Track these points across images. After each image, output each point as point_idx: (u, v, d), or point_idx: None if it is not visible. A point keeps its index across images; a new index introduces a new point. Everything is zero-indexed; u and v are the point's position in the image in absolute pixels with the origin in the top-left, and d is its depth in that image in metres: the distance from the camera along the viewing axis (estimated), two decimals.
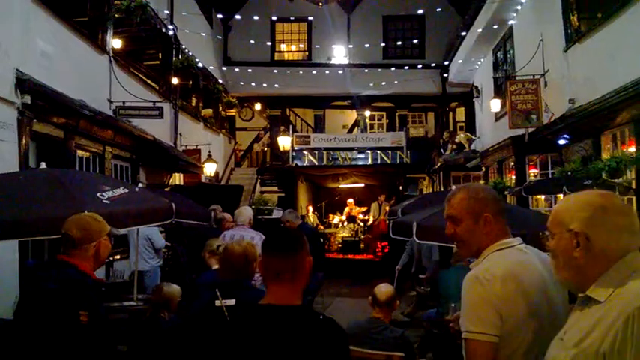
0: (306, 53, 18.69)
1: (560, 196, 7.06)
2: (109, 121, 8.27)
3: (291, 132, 17.11)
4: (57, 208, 3.66)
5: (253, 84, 17.26)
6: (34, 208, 3.73)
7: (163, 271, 7.68)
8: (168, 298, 4.22)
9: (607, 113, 7.00)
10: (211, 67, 15.70)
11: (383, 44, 17.94)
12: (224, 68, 17.59)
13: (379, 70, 17.66)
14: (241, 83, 17.41)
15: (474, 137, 14.76)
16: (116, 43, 9.44)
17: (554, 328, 1.80)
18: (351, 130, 19.59)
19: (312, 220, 16.69)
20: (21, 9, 6.41)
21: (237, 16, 16.95)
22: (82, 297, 2.55)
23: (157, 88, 11.51)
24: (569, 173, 7.10)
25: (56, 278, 2.60)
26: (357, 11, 18.36)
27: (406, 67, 17.36)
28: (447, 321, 2.40)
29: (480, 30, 12.22)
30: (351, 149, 17.35)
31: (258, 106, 19.13)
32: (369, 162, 17.30)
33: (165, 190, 10.01)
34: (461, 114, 18.56)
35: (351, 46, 17.84)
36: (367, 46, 17.23)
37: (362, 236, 15.72)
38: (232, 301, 2.91)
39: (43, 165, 6.25)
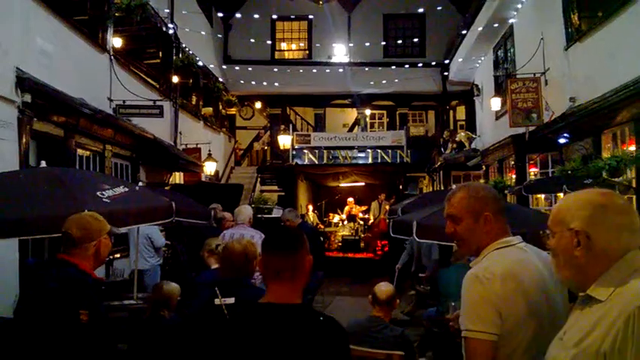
0: (307, 52, 18.68)
1: (561, 194, 7.05)
2: (109, 120, 8.27)
3: (291, 131, 17.11)
4: (57, 206, 3.66)
5: (253, 82, 17.26)
6: (35, 206, 3.73)
7: (163, 269, 7.68)
8: (167, 297, 4.22)
9: (607, 112, 7.00)
10: (211, 66, 15.69)
11: (383, 43, 17.92)
12: (224, 67, 17.59)
13: (379, 68, 17.65)
14: (241, 82, 17.40)
15: (474, 136, 14.76)
16: (116, 42, 9.43)
17: (554, 327, 1.80)
18: (351, 129, 19.58)
19: (312, 218, 16.69)
20: (21, 8, 6.41)
21: (238, 15, 16.93)
22: (82, 296, 2.55)
23: (157, 86, 11.50)
24: (569, 172, 7.09)
25: (56, 277, 2.60)
26: (358, 10, 18.35)
27: (406, 66, 17.35)
28: (446, 320, 2.40)
29: (480, 28, 12.21)
30: (351, 148, 17.34)
31: (258, 105, 19.13)
32: (370, 161, 17.31)
33: (166, 188, 10.01)
34: (461, 112, 18.54)
35: (351, 45, 17.82)
36: (367, 44, 17.22)
37: (362, 235, 15.72)
38: (232, 300, 2.91)
39: (43, 164, 6.29)
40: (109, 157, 8.65)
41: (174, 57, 11.96)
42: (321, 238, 13.34)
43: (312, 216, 17.00)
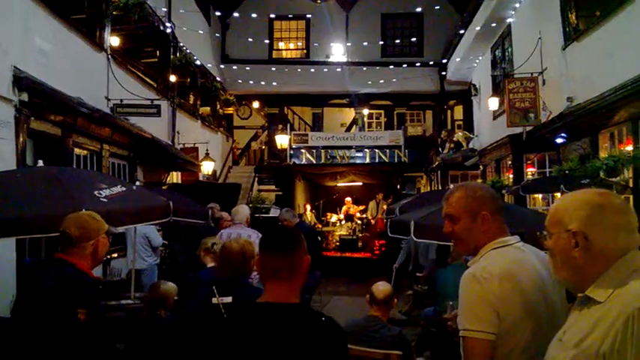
0: (305, 51, 18.66)
1: (558, 194, 7.06)
2: (106, 119, 8.26)
3: (289, 130, 17.10)
4: (54, 206, 3.66)
5: (251, 82, 17.24)
6: (32, 206, 3.71)
7: (161, 269, 7.67)
8: (164, 297, 4.22)
9: (605, 112, 7.01)
10: (209, 65, 15.67)
11: (381, 42, 17.91)
12: (222, 66, 17.56)
13: (377, 68, 17.64)
14: (239, 81, 17.38)
15: (471, 136, 14.77)
16: (114, 41, 9.40)
17: (552, 326, 1.80)
18: (349, 129, 19.57)
19: (309, 218, 16.70)
20: (20, 7, 6.40)
21: (236, 14, 16.93)
22: (80, 295, 2.54)
23: (155, 85, 11.48)
24: (566, 172, 7.11)
25: (54, 276, 2.59)
26: (356, 9, 18.34)
27: (404, 66, 17.36)
28: (444, 319, 2.40)
29: (478, 28, 12.23)
30: (349, 147, 17.35)
31: (256, 104, 19.11)
32: (367, 160, 17.33)
33: (163, 188, 10.00)
34: (459, 112, 18.55)
35: (349, 44, 17.82)
36: (365, 44, 17.23)
37: (359, 235, 15.74)
38: (229, 299, 2.91)
39: (41, 163, 6.27)
40: (107, 156, 8.64)
41: (171, 56, 11.95)
42: (319, 238, 13.38)
43: (309, 216, 17.01)
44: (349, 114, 19.88)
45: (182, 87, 13.31)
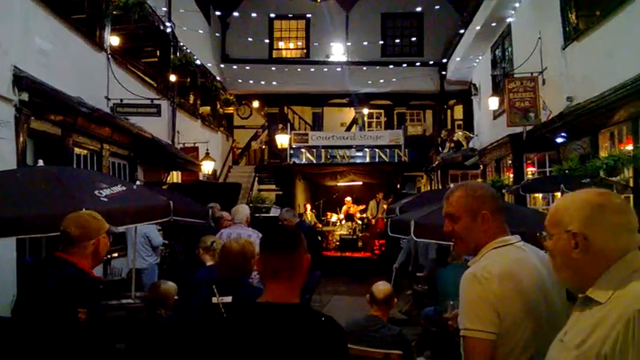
0: (305, 51, 18.65)
1: (558, 194, 7.07)
2: (106, 119, 8.26)
3: (289, 130, 17.11)
4: (55, 205, 3.66)
5: (251, 81, 17.23)
6: (32, 205, 3.72)
7: (161, 269, 7.67)
8: (164, 296, 4.22)
9: (605, 111, 7.01)
10: (209, 65, 15.67)
11: (381, 42, 17.90)
12: (222, 66, 17.55)
13: (377, 67, 17.62)
14: (239, 81, 17.37)
15: (471, 135, 14.78)
16: (114, 41, 9.40)
17: (553, 326, 1.80)
18: (349, 128, 19.58)
19: (309, 218, 16.70)
20: (20, 7, 6.40)
21: (235, 14, 16.91)
22: (81, 295, 2.54)
23: (155, 85, 11.48)
24: (566, 171, 7.10)
25: (55, 276, 2.59)
26: (356, 9, 18.33)
27: (404, 65, 17.34)
28: (445, 319, 2.40)
29: (478, 27, 12.23)
30: (349, 147, 17.36)
31: (256, 104, 19.11)
32: (367, 160, 17.33)
33: (163, 187, 10.00)
34: (459, 112, 18.55)
35: (349, 44, 17.81)
36: (365, 43, 17.22)
37: (360, 234, 15.75)
38: (229, 299, 2.91)
39: (41, 162, 6.28)
40: (107, 156, 8.64)
41: (171, 56, 11.94)
42: (319, 238, 13.38)
43: (309, 215, 17.02)
44: (349, 113, 19.88)
45: (182, 87, 13.31)
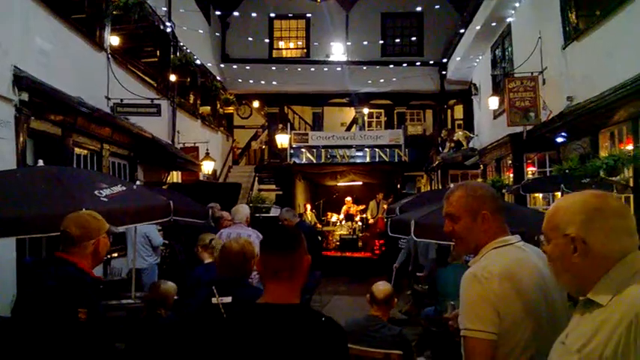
0: (305, 50, 18.65)
1: (558, 194, 7.06)
2: (106, 119, 8.25)
3: (289, 130, 17.10)
4: (55, 205, 3.66)
5: (251, 81, 17.23)
6: (32, 205, 3.72)
7: (161, 269, 7.67)
8: (164, 296, 4.23)
9: (605, 111, 7.01)
10: (209, 65, 15.66)
11: (381, 42, 17.89)
12: (222, 65, 17.55)
13: (377, 67, 17.62)
14: (239, 80, 17.37)
15: (472, 135, 14.77)
16: (114, 41, 9.40)
17: (553, 326, 1.80)
18: (349, 128, 19.58)
19: (310, 218, 16.70)
20: (20, 7, 6.40)
21: (235, 13, 16.91)
22: (81, 295, 2.54)
23: (155, 85, 11.48)
24: (567, 171, 7.10)
25: (55, 276, 2.59)
26: (356, 8, 18.33)
27: (404, 65, 17.33)
28: (445, 319, 2.40)
29: (478, 27, 12.22)
30: (349, 147, 17.35)
31: (256, 104, 19.11)
32: (367, 160, 17.33)
33: (163, 187, 10.00)
34: (459, 112, 18.54)
35: (349, 44, 17.81)
36: (365, 43, 17.22)
37: (360, 234, 15.75)
38: (229, 299, 2.91)
39: (41, 162, 6.28)
40: (107, 156, 8.64)
41: (171, 55, 11.94)
42: (319, 238, 13.37)
43: (310, 215, 17.01)
44: (349, 113, 19.88)
45: (182, 86, 13.31)
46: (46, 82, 6.51)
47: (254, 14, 15.61)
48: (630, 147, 6.51)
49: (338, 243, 15.39)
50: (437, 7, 16.16)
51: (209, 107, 15.53)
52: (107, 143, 8.60)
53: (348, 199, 17.78)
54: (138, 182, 9.35)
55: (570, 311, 1.70)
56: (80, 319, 2.46)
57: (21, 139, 6.13)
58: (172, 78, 11.87)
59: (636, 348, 1.34)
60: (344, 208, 17.50)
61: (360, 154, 17.30)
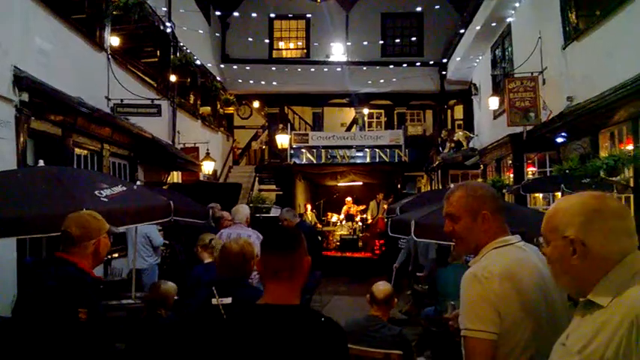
0: (305, 51, 18.65)
1: (559, 194, 7.06)
2: (106, 119, 8.26)
3: (289, 130, 17.10)
4: (55, 205, 3.66)
5: (251, 82, 17.23)
6: (32, 205, 3.72)
7: (161, 269, 7.67)
8: (164, 296, 4.23)
9: (605, 111, 7.01)
10: (209, 65, 15.67)
11: (381, 42, 17.90)
12: (222, 66, 17.55)
13: (377, 67, 17.62)
14: (239, 81, 17.38)
15: (472, 135, 14.77)
16: (114, 41, 9.41)
17: (553, 326, 1.80)
18: (349, 128, 19.56)
19: (310, 218, 16.69)
20: (20, 7, 6.40)
21: (236, 14, 16.92)
22: (81, 295, 2.54)
23: (155, 85, 11.48)
24: (567, 171, 7.10)
25: (55, 276, 2.59)
26: (356, 9, 18.33)
27: (404, 65, 17.33)
28: (445, 319, 2.40)
29: (478, 27, 12.22)
30: (349, 147, 17.35)
31: (256, 104, 19.11)
32: (368, 160, 17.33)
33: (164, 188, 10.00)
34: (459, 112, 18.54)
35: (349, 44, 17.81)
36: (365, 43, 17.22)
37: (360, 234, 15.74)
38: (229, 300, 2.91)
39: (41, 162, 6.26)
40: (107, 156, 8.64)
41: (171, 56, 11.95)
42: (319, 238, 13.37)
43: (310, 215, 17.01)
44: (349, 113, 19.87)
45: (182, 87, 13.31)
46: (46, 83, 6.51)
47: (254, 14, 15.60)
48: (630, 147, 6.51)
49: (338, 243, 15.39)
50: (437, 7, 16.17)
51: (209, 107, 15.54)
52: (107, 143, 8.60)
53: (349, 199, 17.78)
54: (138, 182, 9.34)
55: (570, 311, 1.69)
56: (80, 319, 2.46)
57: (21, 139, 6.13)
58: (172, 78, 11.88)
59: (638, 349, 1.33)
60: (344, 208, 17.50)
61: (360, 154, 17.30)
